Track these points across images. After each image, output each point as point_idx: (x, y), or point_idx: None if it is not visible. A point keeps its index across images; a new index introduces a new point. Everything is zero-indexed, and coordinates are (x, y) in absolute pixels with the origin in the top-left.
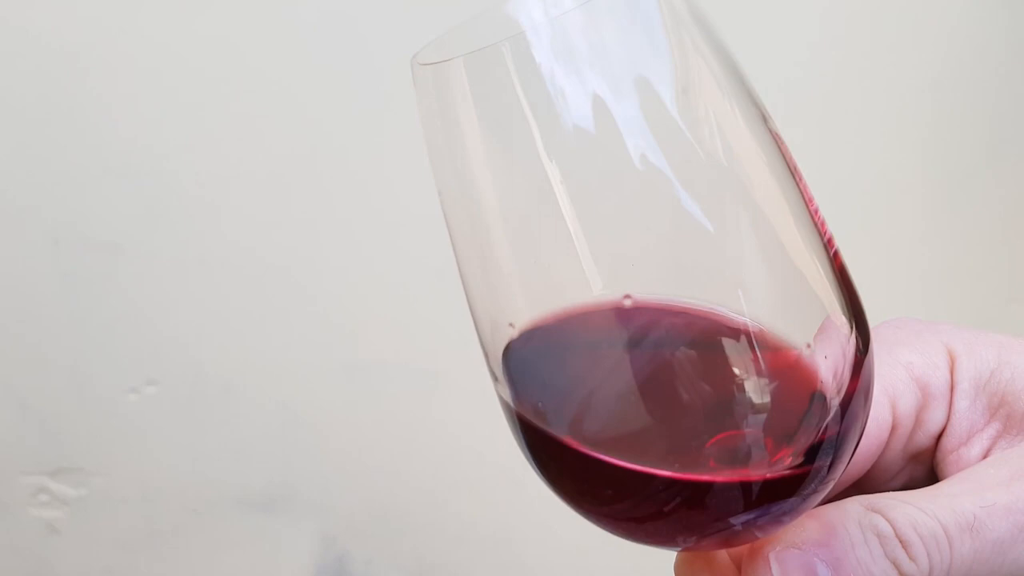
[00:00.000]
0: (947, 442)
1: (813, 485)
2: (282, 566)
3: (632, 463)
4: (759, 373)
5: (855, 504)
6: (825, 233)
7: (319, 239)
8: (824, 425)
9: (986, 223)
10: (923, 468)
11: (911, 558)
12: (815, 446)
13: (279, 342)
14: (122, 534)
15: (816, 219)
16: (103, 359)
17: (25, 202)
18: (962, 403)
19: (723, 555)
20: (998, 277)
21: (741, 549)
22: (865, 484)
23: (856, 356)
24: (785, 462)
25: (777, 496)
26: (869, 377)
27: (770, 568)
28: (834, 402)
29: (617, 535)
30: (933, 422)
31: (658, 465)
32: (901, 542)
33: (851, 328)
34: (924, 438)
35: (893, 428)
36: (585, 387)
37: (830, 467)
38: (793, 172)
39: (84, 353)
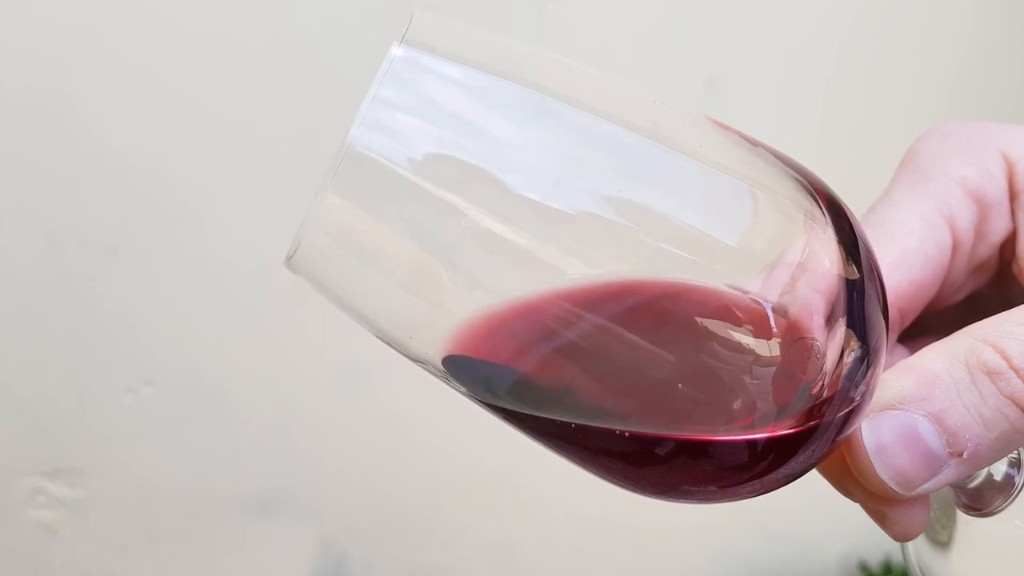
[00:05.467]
0: None
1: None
2: (280, 568)
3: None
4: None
5: (964, 338)
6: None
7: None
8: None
9: None
10: (986, 276)
11: None
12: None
13: (277, 343)
14: (120, 536)
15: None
16: (100, 360)
17: (22, 202)
18: None
19: None
20: None
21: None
22: (931, 304)
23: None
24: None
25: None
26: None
27: (862, 440)
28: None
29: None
30: (994, 232)
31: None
32: (1018, 373)
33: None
34: (986, 249)
35: (954, 247)
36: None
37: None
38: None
39: (81, 354)
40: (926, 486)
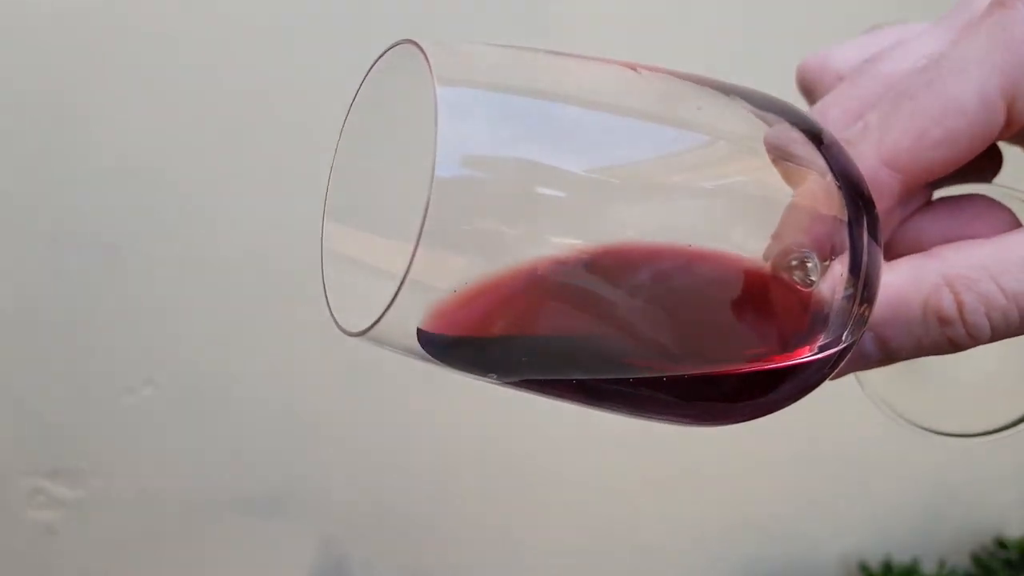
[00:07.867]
0: None
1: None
2: (281, 568)
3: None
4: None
5: (934, 274)
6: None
7: (317, 239)
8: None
9: None
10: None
11: (972, 337)
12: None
13: (277, 343)
14: (120, 536)
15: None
16: (101, 360)
17: (23, 202)
18: None
19: None
20: None
21: None
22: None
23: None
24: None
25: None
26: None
27: None
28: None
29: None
30: None
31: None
32: (965, 325)
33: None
34: None
35: (1004, 126)
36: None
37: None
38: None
39: (82, 354)
40: (847, 374)
